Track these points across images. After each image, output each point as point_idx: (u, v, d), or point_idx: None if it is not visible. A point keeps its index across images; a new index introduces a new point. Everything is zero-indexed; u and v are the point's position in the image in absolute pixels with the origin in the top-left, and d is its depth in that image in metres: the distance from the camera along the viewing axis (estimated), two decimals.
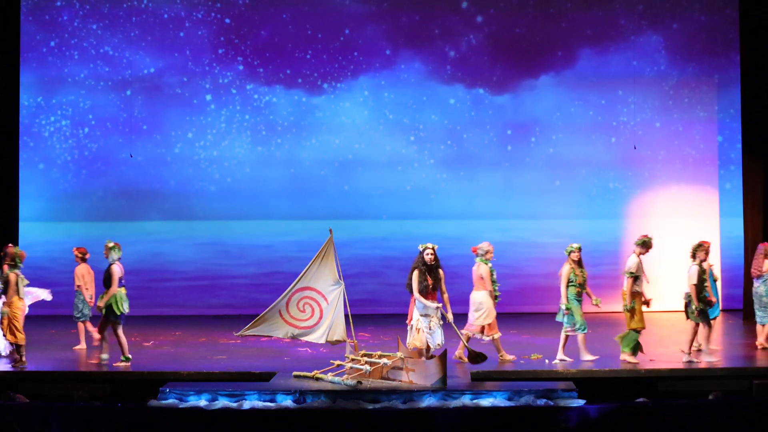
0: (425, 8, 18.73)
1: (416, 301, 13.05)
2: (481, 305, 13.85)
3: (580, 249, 13.87)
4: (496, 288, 13.90)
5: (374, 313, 17.27)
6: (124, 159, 18.64)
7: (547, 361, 13.73)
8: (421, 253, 13.11)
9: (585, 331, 13.72)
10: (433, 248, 13.09)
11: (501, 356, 13.82)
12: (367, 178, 18.84)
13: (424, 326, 12.97)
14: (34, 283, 17.82)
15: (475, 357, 13.23)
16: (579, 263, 13.83)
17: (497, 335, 13.86)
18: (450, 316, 13.07)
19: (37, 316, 17.86)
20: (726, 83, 18.67)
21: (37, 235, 18.53)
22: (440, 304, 12.98)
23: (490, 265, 13.90)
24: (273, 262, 18.56)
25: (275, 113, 18.87)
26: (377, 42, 18.79)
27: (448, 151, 18.91)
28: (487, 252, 13.93)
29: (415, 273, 13.04)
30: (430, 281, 12.99)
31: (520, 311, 18.13)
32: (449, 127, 18.91)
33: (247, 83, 18.85)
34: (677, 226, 17.97)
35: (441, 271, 13.11)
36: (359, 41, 18.79)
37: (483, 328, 13.85)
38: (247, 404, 11.71)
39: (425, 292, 13.00)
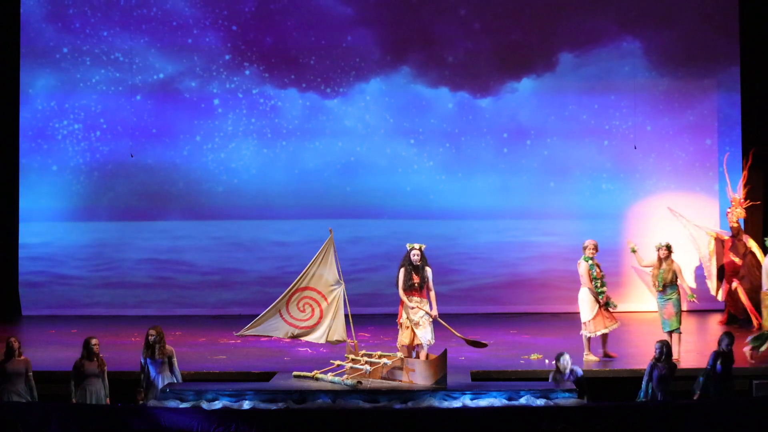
0: (425, 16, 17.90)
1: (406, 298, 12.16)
2: (582, 302, 12.98)
3: (668, 247, 12.94)
4: (598, 284, 12.96)
5: (374, 313, 16.34)
6: (135, 161, 17.84)
7: (546, 361, 12.70)
8: (409, 252, 12.25)
9: (667, 330, 12.83)
10: (420, 248, 12.22)
11: (585, 354, 12.91)
12: (368, 179, 18.03)
13: (412, 324, 12.00)
14: (50, 278, 17.41)
15: (473, 343, 12.34)
16: (664, 261, 12.88)
17: (593, 334, 12.87)
18: (434, 312, 12.18)
19: (38, 316, 17.09)
20: (714, 88, 17.85)
21: (50, 234, 17.81)
22: (414, 306, 12.06)
23: (590, 261, 12.99)
24: (278, 259, 17.75)
25: (280, 117, 18.07)
26: (378, 49, 17.99)
27: (446, 153, 18.10)
28: (585, 248, 13.05)
29: (402, 271, 12.22)
30: (416, 280, 12.13)
31: (518, 311, 17.41)
32: (447, 130, 18.10)
33: (253, 88, 18.04)
34: (670, 227, 17.05)
35: (428, 269, 12.25)
36: (361, 48, 18.00)
37: (586, 324, 12.96)
38: (247, 404, 10.88)
39: (411, 290, 12.16)
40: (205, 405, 10.83)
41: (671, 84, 17.83)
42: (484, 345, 12.46)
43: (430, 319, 12.17)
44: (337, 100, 17.99)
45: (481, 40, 17.87)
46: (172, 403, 10.94)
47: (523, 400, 10.85)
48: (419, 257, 12.18)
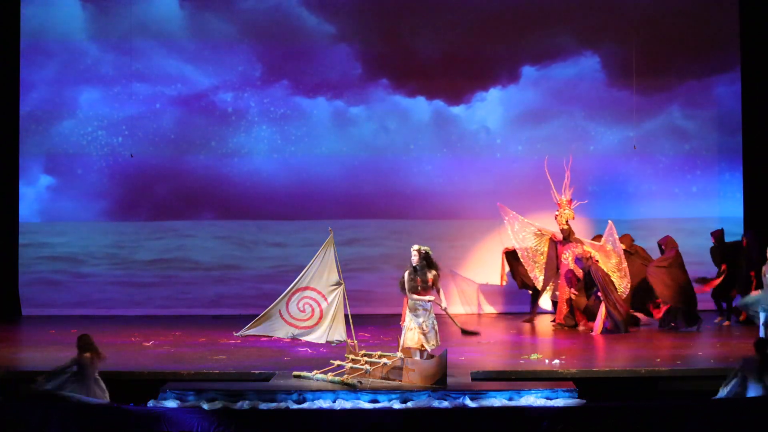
0: (425, 29, 16.57)
1: (408, 301, 10.45)
2: None
3: None
4: None
5: (374, 313, 14.94)
6: (154, 164, 16.57)
7: (546, 361, 10.99)
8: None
9: None
10: (418, 250, 10.43)
11: None
12: (370, 182, 16.72)
13: (416, 326, 10.25)
14: (69, 275, 15.98)
15: (468, 333, 10.76)
16: None
17: None
18: (444, 304, 10.45)
19: (38, 316, 15.56)
20: (697, 92, 16.57)
21: (70, 233, 16.54)
22: (432, 298, 10.35)
23: None
24: (283, 258, 16.42)
25: (289, 124, 16.76)
26: (381, 59, 16.68)
27: (444, 157, 16.82)
28: None
29: (405, 274, 10.46)
30: (418, 282, 10.34)
31: (517, 311, 15.96)
32: (445, 136, 16.82)
33: (264, 97, 16.75)
34: (658, 227, 15.51)
35: (433, 271, 10.42)
36: (364, 60, 16.71)
37: None
38: (247, 404, 9.40)
39: (414, 291, 10.39)
40: (205, 405, 9.40)
41: (650, 91, 16.55)
42: (477, 333, 10.95)
43: (435, 325, 10.48)
44: (342, 108, 16.77)
45: (472, 54, 16.58)
46: (172, 403, 9.51)
47: (523, 400, 9.47)
48: (417, 258, 10.43)
